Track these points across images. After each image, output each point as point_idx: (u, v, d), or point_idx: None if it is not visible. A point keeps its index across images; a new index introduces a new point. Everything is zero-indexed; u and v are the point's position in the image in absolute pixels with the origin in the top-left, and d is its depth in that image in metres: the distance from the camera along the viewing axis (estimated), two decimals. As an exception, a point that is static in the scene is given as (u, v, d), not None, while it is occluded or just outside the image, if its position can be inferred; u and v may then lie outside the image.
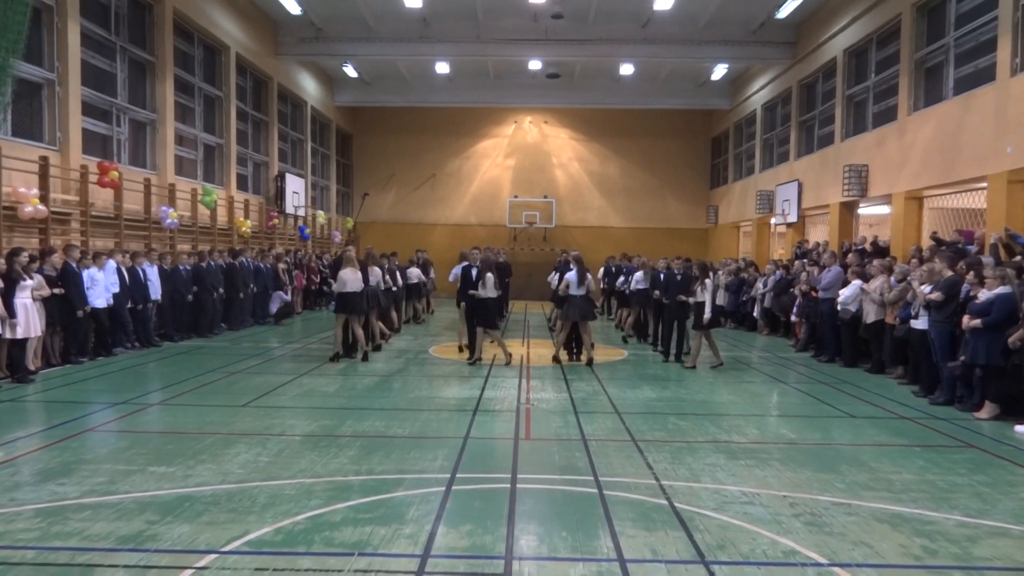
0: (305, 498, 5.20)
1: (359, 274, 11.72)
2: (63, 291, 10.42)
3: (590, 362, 11.60)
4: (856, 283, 11.35)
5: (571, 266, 11.79)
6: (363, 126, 29.92)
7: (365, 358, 11.79)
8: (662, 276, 12.92)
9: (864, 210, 17.84)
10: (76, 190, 12.57)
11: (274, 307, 17.40)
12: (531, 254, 28.24)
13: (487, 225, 29.13)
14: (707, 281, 11.31)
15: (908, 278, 10.12)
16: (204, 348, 13.08)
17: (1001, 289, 8.03)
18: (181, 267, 13.98)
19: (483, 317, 11.49)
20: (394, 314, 15.19)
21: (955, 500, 5.39)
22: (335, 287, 11.88)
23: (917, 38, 14.84)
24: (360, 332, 11.88)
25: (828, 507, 5.18)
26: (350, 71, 24.50)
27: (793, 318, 14.56)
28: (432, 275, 19.47)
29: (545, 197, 29.03)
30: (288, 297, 18.10)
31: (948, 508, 5.22)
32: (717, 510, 5.08)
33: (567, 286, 11.49)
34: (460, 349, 12.69)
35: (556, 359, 11.86)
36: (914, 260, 10.69)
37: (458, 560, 4.25)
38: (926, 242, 13.26)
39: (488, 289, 11.37)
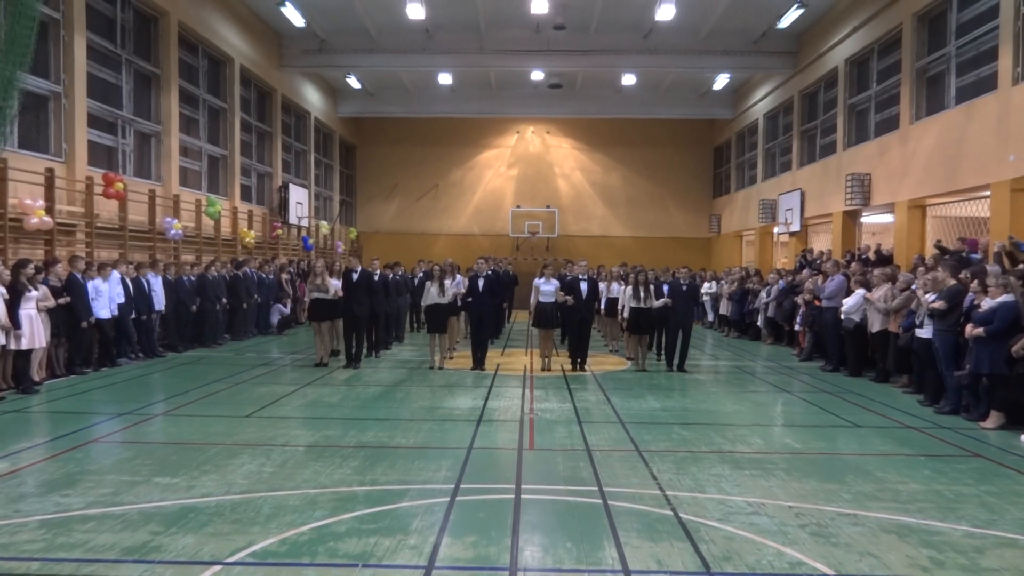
0: (309, 509, 5.19)
1: (326, 282, 12.25)
2: (68, 302, 10.46)
3: (546, 368, 12.11)
4: (859, 292, 11.34)
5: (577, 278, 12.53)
6: (366, 137, 30.03)
7: (320, 363, 12.37)
8: (665, 287, 12.84)
9: (867, 219, 17.83)
10: (81, 201, 12.62)
11: (274, 319, 17.47)
12: (534, 264, 28.19)
13: (490, 235, 29.17)
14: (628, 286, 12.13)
15: (912, 287, 10.10)
16: (208, 359, 13.09)
17: (1004, 297, 8.02)
18: (185, 278, 14.03)
19: (432, 322, 12.32)
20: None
21: (962, 510, 5.36)
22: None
23: (918, 47, 14.88)
24: (326, 340, 12.60)
25: (834, 517, 5.16)
26: (353, 82, 24.61)
27: (797, 327, 14.54)
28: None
29: (548, 207, 29.06)
30: (286, 310, 18.13)
31: (955, 518, 5.19)
32: (722, 521, 5.06)
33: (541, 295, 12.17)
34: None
35: (578, 366, 12.26)
36: (921, 269, 10.66)
37: (462, 571, 4.24)
38: (929, 251, 13.25)
39: (430, 296, 12.17)
